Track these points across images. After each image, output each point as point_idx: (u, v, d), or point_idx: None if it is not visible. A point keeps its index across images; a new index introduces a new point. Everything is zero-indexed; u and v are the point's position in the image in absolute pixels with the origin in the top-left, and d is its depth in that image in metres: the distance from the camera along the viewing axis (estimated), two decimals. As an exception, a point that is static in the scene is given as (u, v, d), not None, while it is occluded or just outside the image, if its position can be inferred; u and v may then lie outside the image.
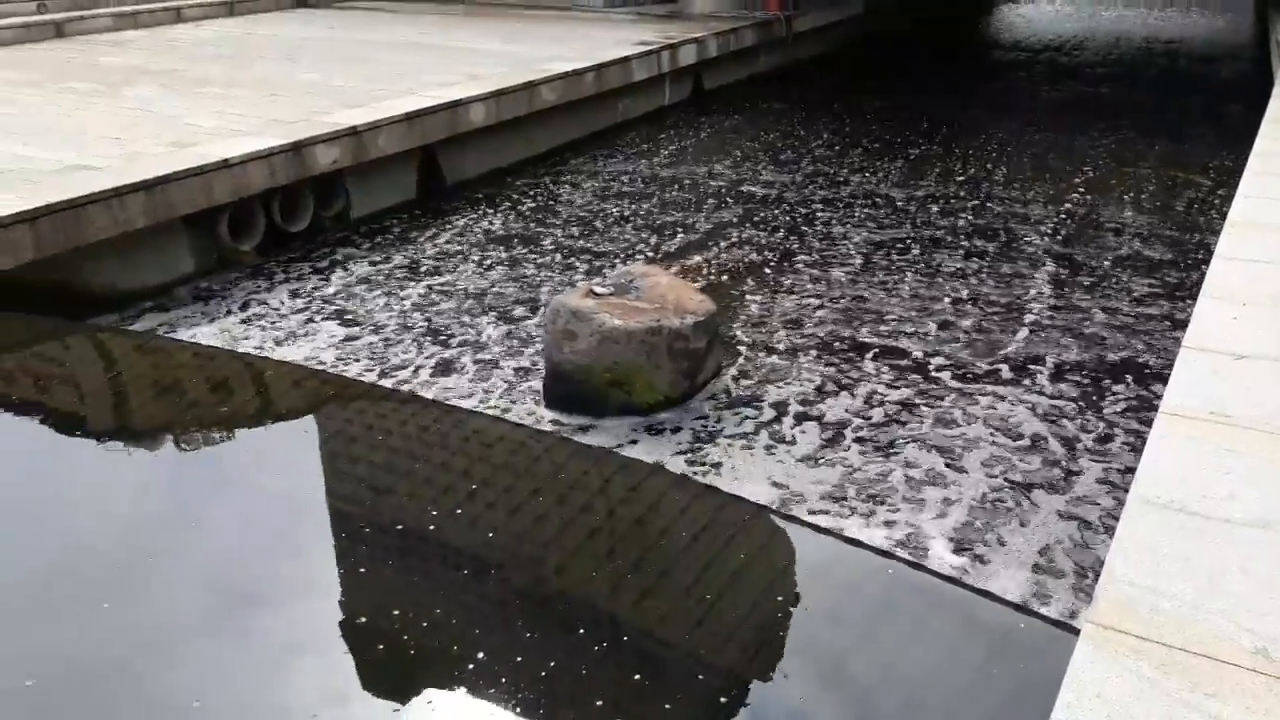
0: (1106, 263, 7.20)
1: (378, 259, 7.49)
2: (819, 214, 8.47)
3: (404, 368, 5.75)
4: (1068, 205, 8.61)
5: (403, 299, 6.72)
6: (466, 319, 6.39)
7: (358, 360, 5.86)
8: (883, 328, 6.17)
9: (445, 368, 5.74)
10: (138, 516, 4.49)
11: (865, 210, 8.54)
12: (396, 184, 8.76)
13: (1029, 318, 6.28)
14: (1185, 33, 19.79)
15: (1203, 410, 3.51)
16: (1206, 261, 5.17)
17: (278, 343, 6.09)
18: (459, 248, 7.74)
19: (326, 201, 8.00)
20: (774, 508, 4.35)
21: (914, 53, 17.50)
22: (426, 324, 6.33)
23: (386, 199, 8.64)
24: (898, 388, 5.41)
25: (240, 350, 6.02)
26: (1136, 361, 5.65)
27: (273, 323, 6.37)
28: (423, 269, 7.29)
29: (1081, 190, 9.07)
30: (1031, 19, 22.65)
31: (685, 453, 4.79)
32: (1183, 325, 4.73)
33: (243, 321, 6.40)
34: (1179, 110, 12.51)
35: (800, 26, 15.40)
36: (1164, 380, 4.02)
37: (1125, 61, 16.51)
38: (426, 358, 5.86)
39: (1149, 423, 3.82)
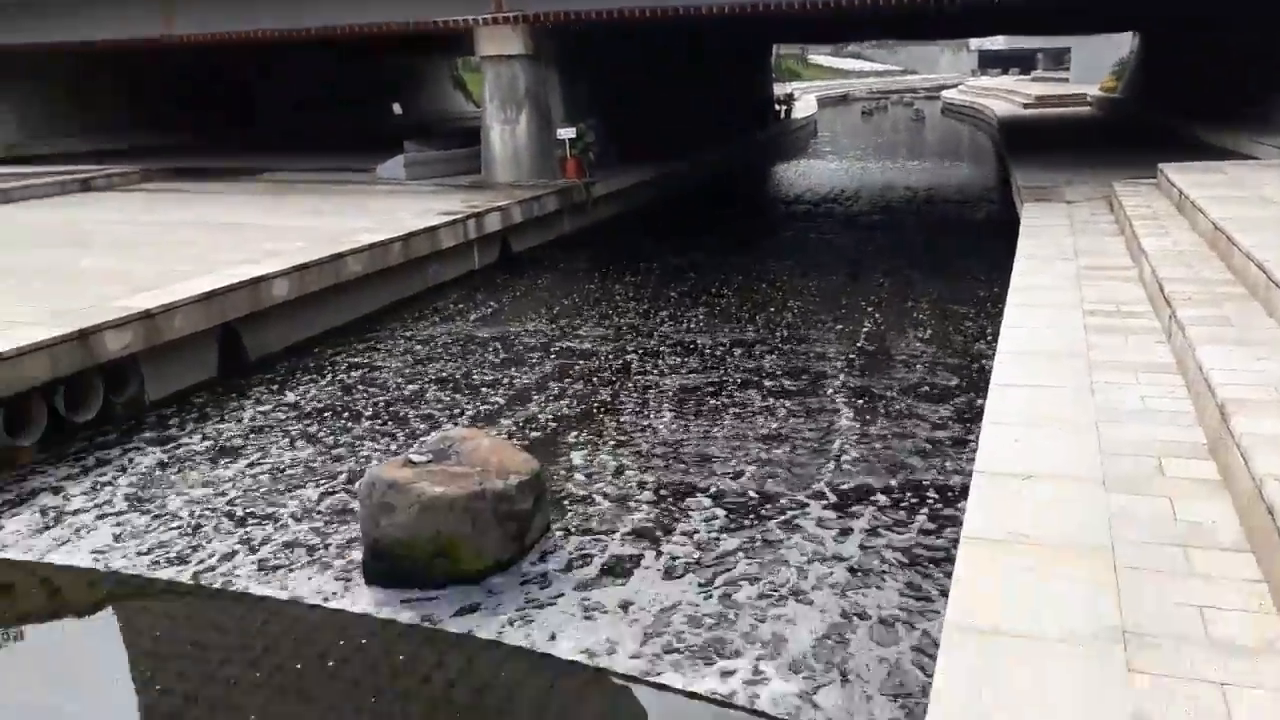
0: (900, 393, 7.71)
1: (175, 443, 7.05)
2: (632, 365, 8.70)
3: (208, 558, 5.34)
4: (860, 341, 9.23)
5: (204, 483, 6.31)
6: (275, 499, 6.06)
7: (155, 554, 5.40)
8: (702, 470, 6.30)
9: (254, 553, 5.38)
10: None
11: (676, 359, 8.84)
12: (196, 363, 8.37)
13: (835, 450, 6.59)
14: (941, 181, 22.14)
15: (1000, 532, 3.75)
16: (986, 385, 5.63)
17: (63, 543, 5.55)
18: (264, 424, 7.41)
19: (118, 387, 7.53)
20: (613, 670, 4.25)
21: (708, 209, 18.68)
22: (231, 508, 5.95)
23: (185, 379, 8.23)
24: (721, 528, 5.49)
25: (18, 556, 5.43)
26: (937, 485, 6.00)
27: (57, 521, 5.82)
28: (225, 449, 6.91)
29: (870, 327, 9.77)
30: (807, 174, 24.76)
31: (518, 620, 4.63)
32: (974, 447, 5.09)
33: (22, 523, 5.80)
34: (944, 249, 13.83)
35: (599, 191, 16.18)
36: (964, 499, 4.29)
37: (894, 208, 18.23)
38: (233, 544, 5.48)
39: (956, 543, 4.04)
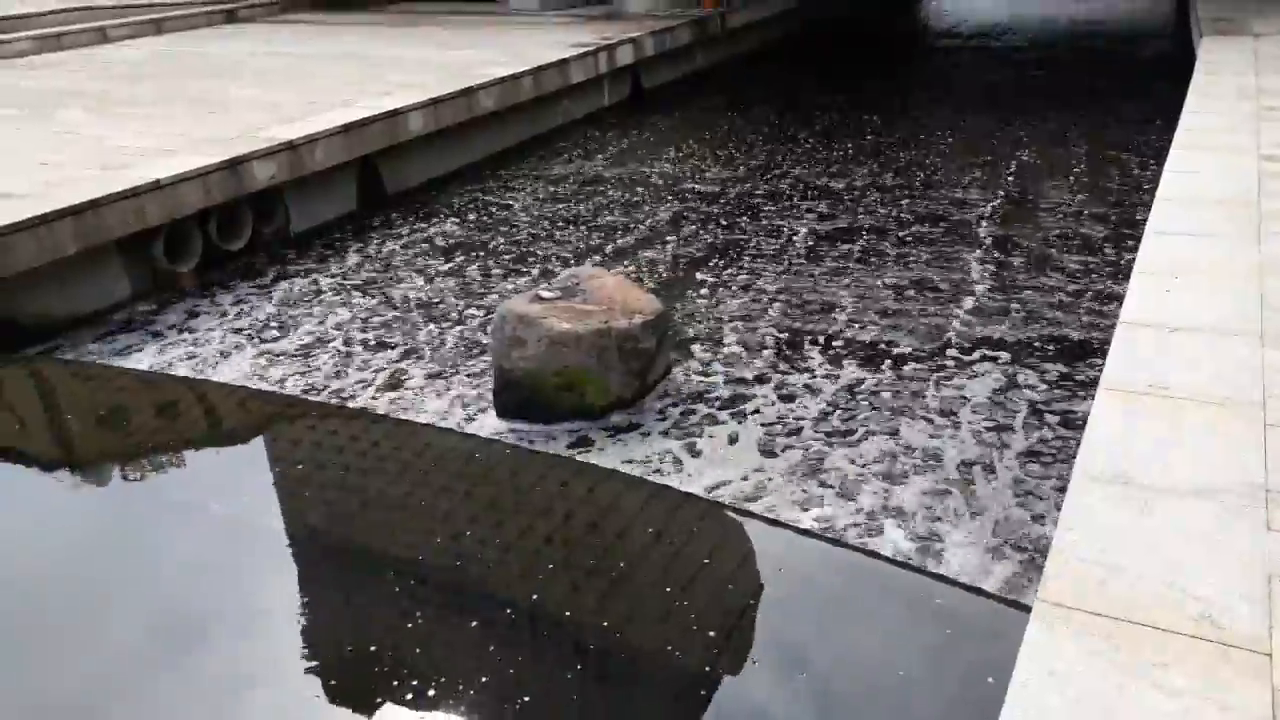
0: (1043, 243, 7.33)
1: (320, 273, 7.39)
2: (762, 208, 8.52)
3: (351, 382, 5.67)
4: (1004, 188, 8.76)
5: (347, 312, 6.63)
6: (413, 329, 6.33)
7: (304, 377, 5.76)
8: (830, 318, 6.22)
9: (393, 380, 5.67)
10: (81, 549, 4.38)
11: (807, 202, 8.60)
12: (337, 196, 8.65)
13: (971, 301, 6.37)
14: (1109, 14, 20.23)
15: (1141, 383, 3.59)
16: (1139, 237, 5.28)
17: (220, 363, 5.98)
18: (403, 257, 7.66)
19: (265, 217, 7.87)
20: (728, 503, 4.36)
21: (848, 43, 17.69)
22: (372, 336, 6.25)
23: (327, 212, 8.53)
24: (847, 377, 5.45)
25: (181, 374, 5.89)
26: (1075, 338, 5.76)
27: (214, 343, 6.25)
28: (367, 281, 7.20)
29: (1017, 172, 9.23)
30: (960, 5, 22.99)
31: (638, 453, 4.78)
32: (1118, 300, 4.83)
33: (182, 344, 6.27)
34: (1107, 90, 12.78)
35: (735, 23, 15.49)
36: (1103, 355, 4.11)
37: (1053, 44, 16.84)
38: (373, 371, 5.79)
39: (1090, 397, 3.90)
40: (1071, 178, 8.96)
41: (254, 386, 5.70)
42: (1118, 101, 11.98)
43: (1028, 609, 2.64)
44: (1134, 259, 4.88)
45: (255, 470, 5.15)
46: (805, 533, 4.10)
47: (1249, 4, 12.95)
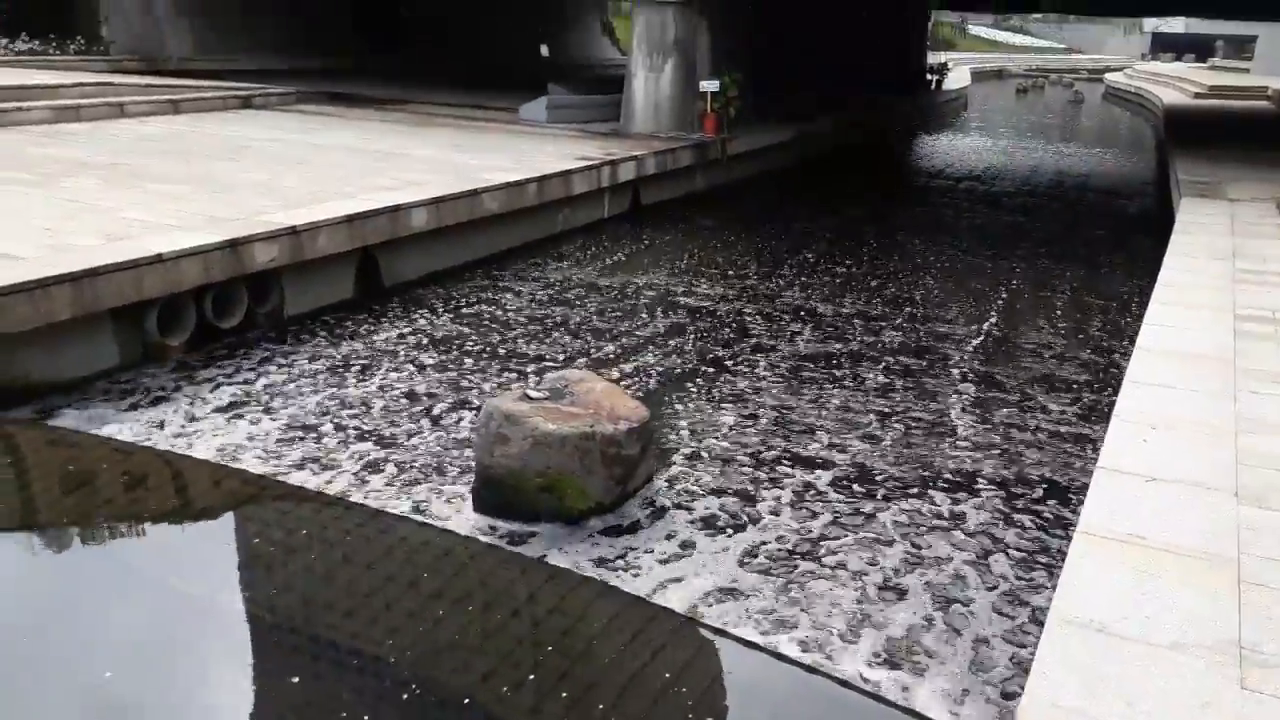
0: (1024, 383, 7.46)
1: (309, 358, 7.41)
2: (750, 327, 8.66)
3: (330, 468, 5.63)
4: (988, 326, 8.95)
5: (332, 399, 6.63)
6: (397, 420, 6.33)
7: (281, 460, 5.72)
8: (810, 440, 6.27)
9: (373, 469, 5.64)
10: (39, 620, 4.27)
11: (794, 325, 8.76)
12: (334, 284, 8.74)
13: (950, 435, 6.44)
14: (1094, 169, 21.07)
15: (1118, 532, 3.62)
16: (1118, 384, 5.40)
17: (199, 440, 5.94)
18: (393, 349, 7.71)
19: (261, 298, 7.94)
20: (702, 620, 4.31)
21: (846, 176, 18.28)
22: (355, 424, 6.24)
23: (323, 298, 8.61)
24: (825, 500, 5.46)
25: (159, 447, 5.85)
26: (1052, 480, 5.81)
27: (196, 419, 6.22)
28: (354, 369, 7.23)
29: (1000, 312, 9.45)
30: (953, 148, 23.91)
31: (615, 562, 4.74)
32: (1097, 446, 4.91)
33: (164, 417, 6.23)
34: (1090, 240, 13.21)
35: (735, 149, 16.02)
36: (1080, 499, 4.16)
37: (1040, 193, 17.46)
38: (354, 458, 5.76)
39: (1067, 541, 3.92)
40: (1055, 322, 9.18)
41: (227, 465, 5.65)
42: (1100, 252, 12.36)
43: (1000, 752, 2.61)
44: (1112, 405, 4.98)
45: (221, 549, 5.07)
46: (780, 657, 4.05)
47: (1226, 170, 13.54)
